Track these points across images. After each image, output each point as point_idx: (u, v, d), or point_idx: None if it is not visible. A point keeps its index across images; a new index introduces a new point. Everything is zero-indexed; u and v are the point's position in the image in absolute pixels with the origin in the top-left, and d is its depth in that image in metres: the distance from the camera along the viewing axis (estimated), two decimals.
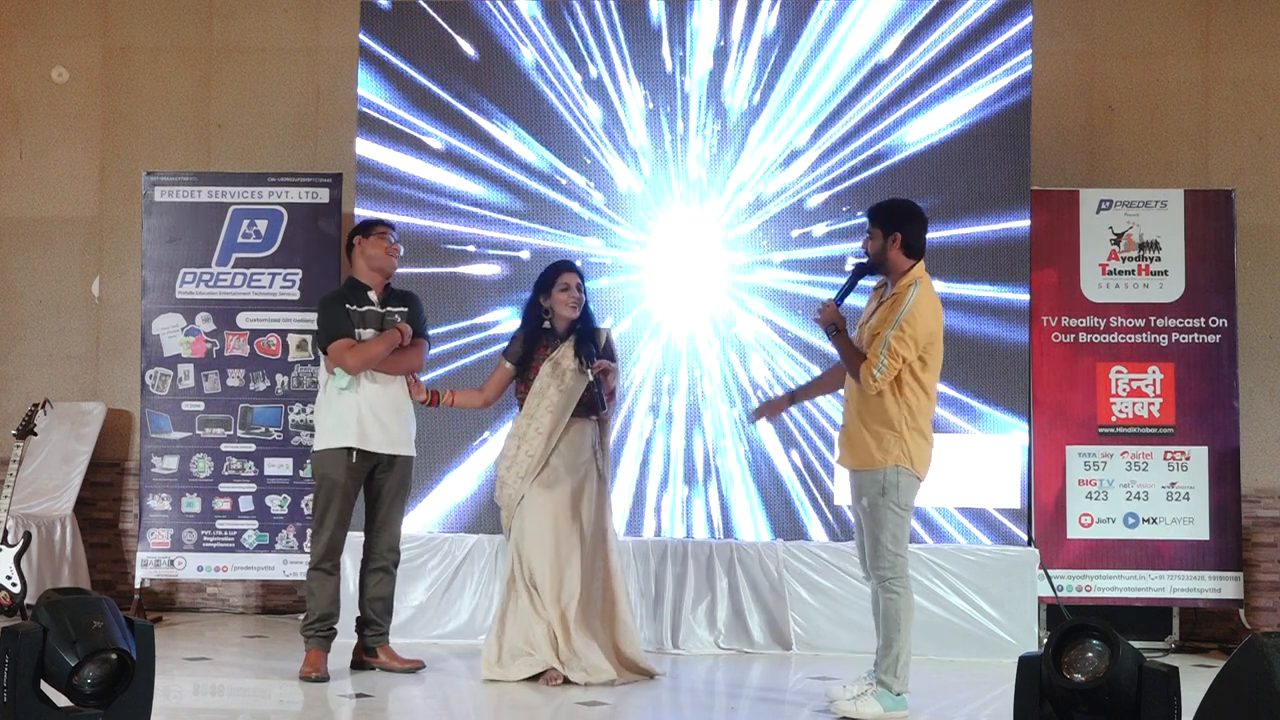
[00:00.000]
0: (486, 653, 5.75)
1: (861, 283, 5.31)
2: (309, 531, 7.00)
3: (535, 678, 5.64)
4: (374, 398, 5.73)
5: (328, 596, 5.74)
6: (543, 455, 5.72)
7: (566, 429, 5.75)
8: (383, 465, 5.79)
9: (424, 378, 6.05)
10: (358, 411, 5.70)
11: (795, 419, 6.80)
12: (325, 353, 5.75)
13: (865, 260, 5.28)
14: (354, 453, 5.70)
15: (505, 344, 5.97)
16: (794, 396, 5.74)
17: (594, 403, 5.73)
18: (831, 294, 5.36)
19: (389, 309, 5.84)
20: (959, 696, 5.68)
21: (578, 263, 6.13)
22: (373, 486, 5.84)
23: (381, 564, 5.87)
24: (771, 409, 5.75)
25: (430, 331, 6.05)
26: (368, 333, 5.75)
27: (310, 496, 7.08)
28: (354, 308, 5.77)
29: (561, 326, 5.83)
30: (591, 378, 5.68)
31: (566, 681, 5.58)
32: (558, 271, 5.87)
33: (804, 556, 6.60)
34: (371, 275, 5.85)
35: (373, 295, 5.83)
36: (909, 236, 5.17)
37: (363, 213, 6.85)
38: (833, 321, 5.21)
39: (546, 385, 5.74)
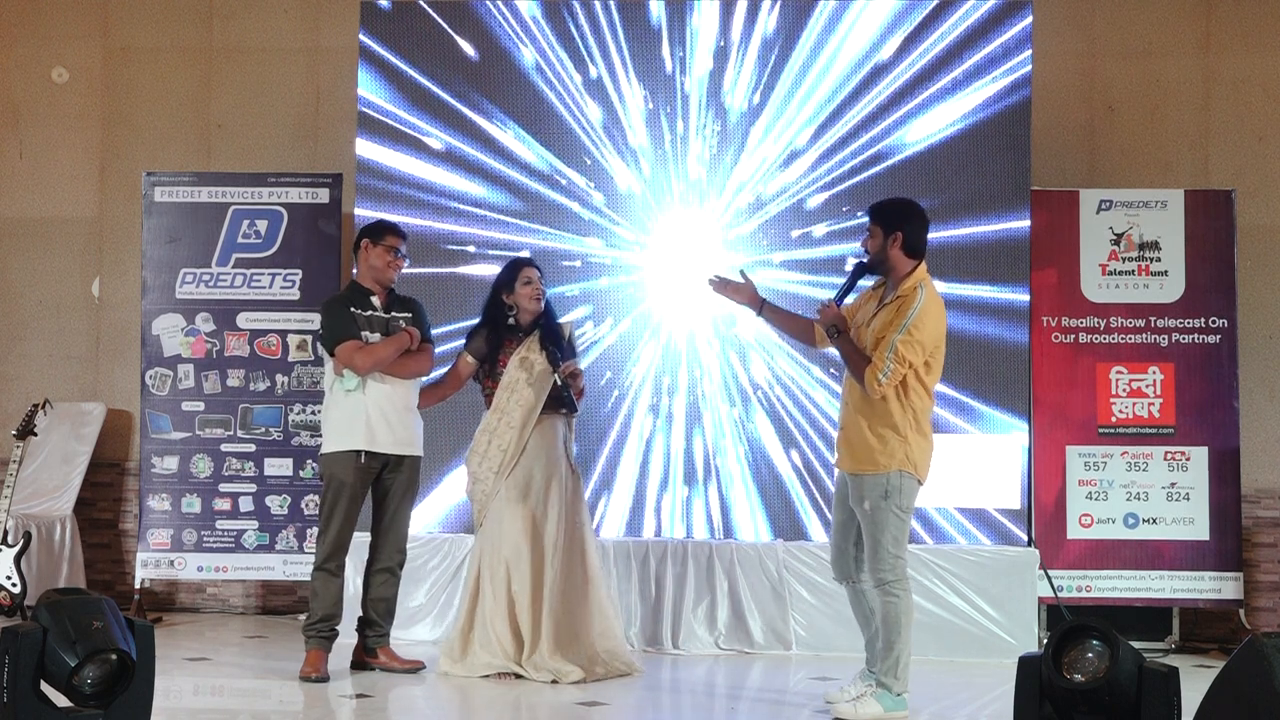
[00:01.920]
0: (448, 647, 5.80)
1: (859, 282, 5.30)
2: (311, 531, 7.04)
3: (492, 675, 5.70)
4: (381, 399, 5.73)
5: (331, 597, 5.74)
6: (515, 450, 5.74)
7: (538, 423, 5.78)
8: (391, 465, 5.79)
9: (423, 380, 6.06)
10: (365, 413, 5.70)
11: (795, 419, 6.81)
12: (332, 355, 5.75)
13: (865, 259, 5.25)
14: (363, 454, 5.70)
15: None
16: (763, 304, 5.46)
17: (562, 401, 5.78)
18: (831, 294, 5.34)
19: (393, 314, 5.84)
20: (959, 696, 5.68)
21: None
22: (380, 487, 5.84)
23: (387, 564, 5.87)
24: (733, 288, 5.47)
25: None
26: (374, 337, 5.75)
27: (310, 497, 7.12)
28: (358, 312, 5.77)
29: (525, 320, 5.87)
30: (560, 381, 5.71)
31: (519, 678, 5.63)
32: (518, 267, 5.93)
33: (804, 557, 6.60)
34: (372, 283, 5.86)
35: (375, 300, 5.84)
36: (910, 236, 5.14)
37: (363, 213, 6.86)
38: (833, 323, 5.17)
39: (515, 380, 5.78)
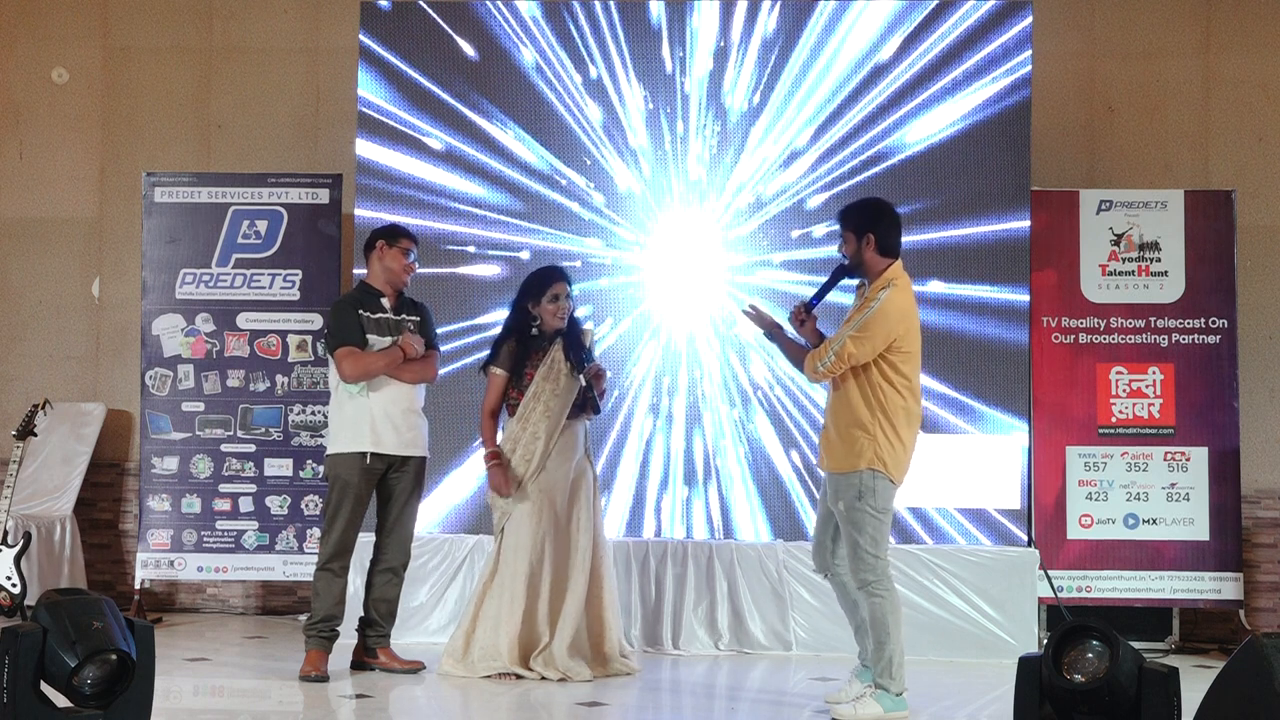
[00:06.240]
0: (451, 647, 5.81)
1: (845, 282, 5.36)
2: (311, 532, 7.06)
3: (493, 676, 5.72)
4: (386, 400, 5.73)
5: (333, 598, 5.74)
6: (540, 460, 5.75)
7: (561, 430, 5.79)
8: (396, 466, 5.80)
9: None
10: (370, 414, 5.70)
11: (795, 419, 6.81)
12: (333, 357, 5.75)
13: (845, 262, 5.28)
14: (368, 455, 5.71)
15: (487, 353, 5.96)
16: (776, 328, 5.43)
17: (585, 404, 5.82)
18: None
19: (403, 316, 5.85)
20: (959, 697, 5.68)
21: (565, 262, 6.10)
22: (385, 488, 5.84)
23: (391, 565, 5.88)
24: (761, 317, 5.45)
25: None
26: (383, 340, 5.75)
27: (310, 497, 7.13)
28: (367, 314, 5.77)
29: (549, 330, 5.86)
30: (584, 383, 5.73)
31: (519, 678, 5.64)
32: (548, 281, 5.86)
33: (804, 557, 6.58)
34: (383, 285, 5.86)
35: (385, 302, 5.84)
36: (882, 236, 5.17)
37: (363, 214, 6.86)
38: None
39: (540, 390, 5.79)
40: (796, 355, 5.30)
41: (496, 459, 5.80)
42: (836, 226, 5.33)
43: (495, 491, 5.83)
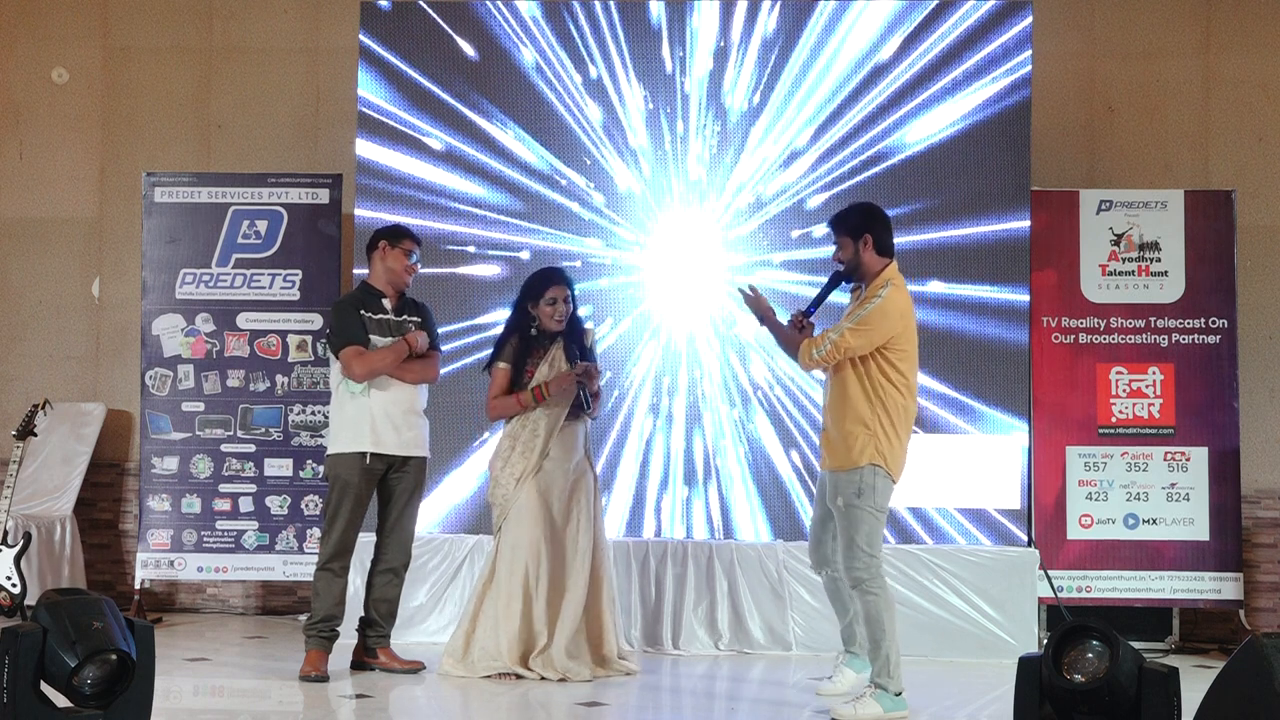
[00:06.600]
0: (451, 647, 5.81)
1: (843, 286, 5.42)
2: (311, 532, 7.06)
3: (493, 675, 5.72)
4: (387, 401, 5.73)
5: (333, 598, 5.74)
6: (538, 457, 5.76)
7: (561, 429, 5.79)
8: (396, 466, 5.80)
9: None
10: (371, 415, 5.70)
11: (795, 419, 6.81)
12: (337, 357, 5.76)
13: (841, 268, 5.33)
14: (368, 456, 5.71)
15: (491, 351, 5.98)
16: (770, 313, 5.50)
17: (581, 404, 5.81)
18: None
19: (404, 317, 5.85)
20: (959, 697, 5.68)
21: (564, 263, 6.09)
22: (386, 488, 5.84)
23: (391, 565, 5.88)
24: (758, 301, 5.51)
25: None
26: (384, 340, 5.75)
27: (310, 497, 7.13)
28: (369, 315, 5.77)
29: (549, 330, 5.86)
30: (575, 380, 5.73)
31: (519, 678, 5.64)
32: (546, 284, 5.86)
33: (804, 557, 6.57)
34: (385, 285, 5.86)
35: (387, 303, 5.84)
36: (878, 236, 5.25)
37: (363, 214, 6.86)
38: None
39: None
40: (790, 341, 5.36)
41: (542, 384, 5.74)
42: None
43: (563, 384, 5.71)
